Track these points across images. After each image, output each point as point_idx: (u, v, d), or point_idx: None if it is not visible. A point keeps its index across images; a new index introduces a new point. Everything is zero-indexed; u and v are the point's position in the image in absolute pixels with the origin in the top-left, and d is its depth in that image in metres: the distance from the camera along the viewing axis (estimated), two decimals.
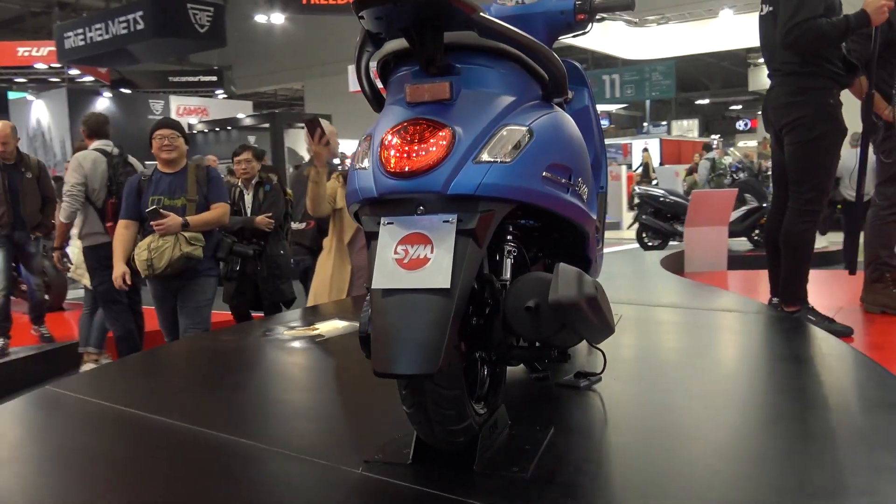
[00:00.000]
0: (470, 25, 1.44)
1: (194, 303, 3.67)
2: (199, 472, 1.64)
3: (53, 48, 15.42)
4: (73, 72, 20.26)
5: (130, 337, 4.50)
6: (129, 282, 3.67)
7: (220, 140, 17.08)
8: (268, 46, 23.32)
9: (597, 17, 2.32)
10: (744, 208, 9.35)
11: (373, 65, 1.66)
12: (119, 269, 3.67)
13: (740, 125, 32.81)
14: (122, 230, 3.68)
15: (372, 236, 1.43)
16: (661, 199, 9.52)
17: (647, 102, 29.06)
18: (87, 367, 4.66)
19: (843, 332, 3.07)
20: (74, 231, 4.59)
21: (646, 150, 21.06)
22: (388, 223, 1.41)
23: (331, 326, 3.07)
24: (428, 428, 1.45)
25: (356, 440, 1.79)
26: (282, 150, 16.54)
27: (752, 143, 31.56)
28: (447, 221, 1.37)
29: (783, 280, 3.21)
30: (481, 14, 1.42)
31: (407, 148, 1.39)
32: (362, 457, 1.57)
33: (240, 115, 18.05)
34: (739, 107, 35.24)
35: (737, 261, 7.06)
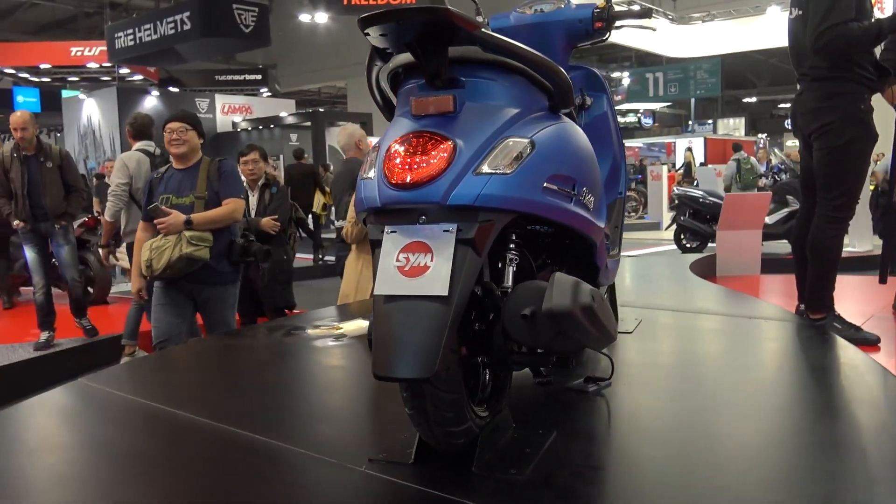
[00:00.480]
0: (473, 41, 1.48)
1: (220, 315, 3.41)
2: (210, 465, 1.72)
3: (105, 48, 15.89)
4: (124, 71, 20.82)
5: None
6: (145, 297, 3.49)
7: (263, 138, 17.39)
8: (311, 45, 23.61)
9: (614, 25, 2.34)
10: (785, 210, 9.17)
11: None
12: (135, 284, 3.48)
13: (788, 124, 32.07)
14: (141, 234, 3.47)
15: (376, 244, 1.49)
16: (701, 200, 9.39)
17: (693, 101, 28.62)
18: (125, 359, 4.82)
19: (869, 341, 3.03)
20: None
21: (689, 149, 20.72)
22: (392, 232, 1.46)
23: (354, 326, 3.15)
24: (428, 430, 1.51)
25: (364, 439, 1.85)
26: (323, 149, 16.75)
27: None
28: (447, 231, 1.42)
29: (809, 287, 3.17)
30: (483, 30, 1.46)
31: (409, 160, 1.44)
32: (368, 455, 1.63)
33: (282, 114, 18.34)
34: (788, 105, 34.42)
35: (776, 264, 6.94)
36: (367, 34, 1.47)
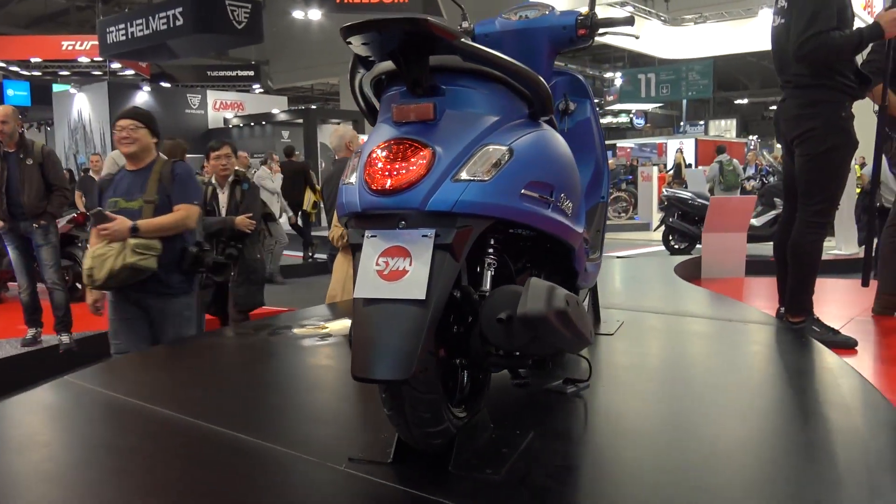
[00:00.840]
0: (453, 50, 1.51)
1: (176, 330, 3.12)
2: (192, 463, 1.74)
3: (96, 42, 15.84)
4: (115, 65, 20.76)
5: None
6: (101, 310, 3.20)
7: (255, 135, 17.40)
8: (304, 42, 23.57)
9: (598, 32, 2.38)
10: (773, 212, 9.25)
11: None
12: (89, 297, 3.18)
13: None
14: (93, 240, 3.12)
15: (357, 248, 1.52)
16: (689, 201, 9.46)
17: (684, 102, 28.75)
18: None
19: (847, 344, 3.08)
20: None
21: (679, 150, 20.83)
22: (372, 236, 1.49)
23: (340, 325, 3.18)
24: (406, 430, 1.54)
25: (345, 438, 1.88)
26: (315, 146, 16.77)
27: None
28: (426, 236, 1.45)
29: (789, 290, 3.22)
30: (462, 40, 1.49)
31: (390, 166, 1.47)
32: (349, 454, 1.67)
33: (274, 111, 18.34)
34: None
35: (762, 265, 7.00)
36: (350, 43, 1.50)
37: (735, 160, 12.40)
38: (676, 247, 9.55)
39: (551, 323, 1.44)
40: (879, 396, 2.05)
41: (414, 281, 1.42)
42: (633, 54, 22.85)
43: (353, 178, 1.55)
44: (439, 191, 1.45)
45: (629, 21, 2.41)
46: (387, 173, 1.47)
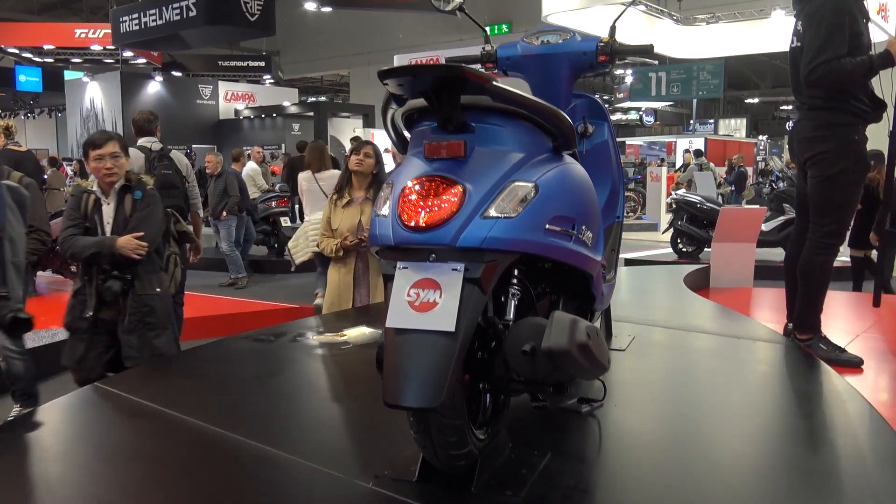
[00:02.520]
0: (483, 91, 1.58)
1: None
2: (219, 474, 1.83)
3: (109, 31, 15.91)
4: (127, 54, 20.82)
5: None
6: None
7: (266, 127, 17.47)
8: (316, 33, 23.62)
9: (617, 59, 2.44)
10: (781, 218, 9.29)
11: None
12: None
13: (789, 126, 32.16)
14: None
15: (388, 278, 1.60)
16: (698, 205, 9.50)
17: (695, 100, 28.69)
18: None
19: (853, 363, 3.14)
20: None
21: (687, 150, 20.82)
22: (403, 268, 1.57)
23: (358, 332, 3.25)
24: (432, 452, 1.62)
25: (371, 452, 1.96)
26: (326, 139, 16.83)
27: None
28: (455, 270, 1.53)
29: (798, 308, 3.28)
30: (493, 83, 1.56)
31: (422, 203, 1.54)
32: (374, 470, 1.75)
33: (285, 103, 18.40)
34: (790, 107, 34.51)
35: (770, 271, 7.05)
36: (386, 84, 1.57)
37: (711, 164, 12.64)
38: (685, 250, 9.60)
39: (574, 356, 1.51)
40: (886, 426, 2.12)
41: (444, 313, 1.49)
42: None
43: (386, 211, 1.62)
44: (469, 228, 1.52)
45: (648, 50, 2.47)
46: (420, 209, 1.54)
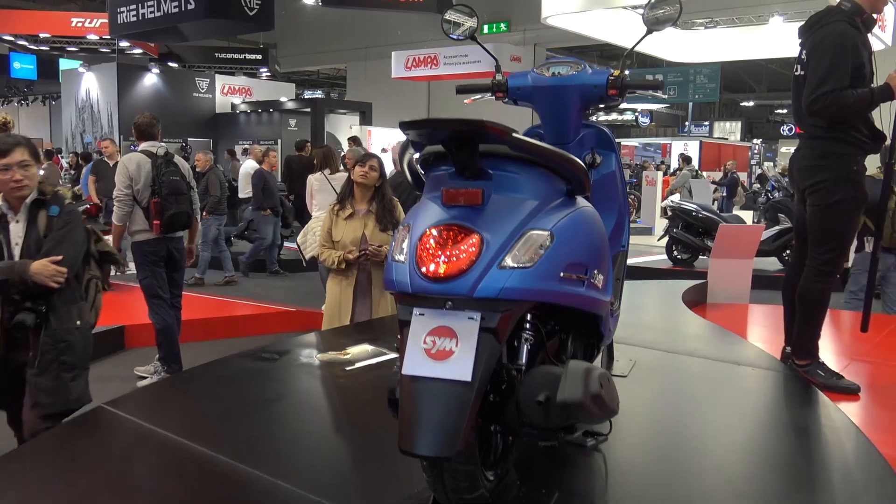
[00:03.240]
0: (502, 142, 1.61)
1: None
2: None
3: (106, 20, 15.81)
4: (123, 44, 20.71)
5: (169, 330, 4.78)
6: None
7: (262, 122, 17.40)
8: (313, 27, 23.54)
9: (628, 92, 2.46)
10: (776, 228, 9.37)
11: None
12: None
13: (784, 130, 32.35)
14: None
15: (405, 323, 1.62)
16: (694, 213, 9.56)
17: (690, 103, 28.79)
18: None
19: (850, 390, 3.18)
20: None
21: (682, 155, 20.94)
22: (420, 314, 1.59)
23: (360, 350, 3.28)
24: (444, 495, 1.65)
25: (378, 487, 1.98)
26: (322, 135, 16.80)
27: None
28: (471, 318, 1.55)
29: (796, 334, 3.32)
30: (513, 135, 1.59)
31: (440, 252, 1.56)
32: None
33: (282, 98, 18.33)
34: (785, 111, 34.66)
35: (764, 281, 7.12)
36: (407, 134, 1.59)
37: (703, 172, 12.87)
38: (679, 257, 9.66)
39: (587, 407, 1.54)
40: (885, 465, 2.16)
41: (460, 362, 1.52)
42: (641, 55, 22.83)
43: (403, 257, 1.64)
44: (486, 278, 1.54)
45: (658, 86, 2.50)
46: (438, 259, 1.56)
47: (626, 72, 2.46)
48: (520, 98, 2.59)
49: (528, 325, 1.75)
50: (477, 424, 1.63)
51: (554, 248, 1.64)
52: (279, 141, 16.44)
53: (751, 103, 33.79)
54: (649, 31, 2.45)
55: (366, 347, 3.29)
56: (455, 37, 2.69)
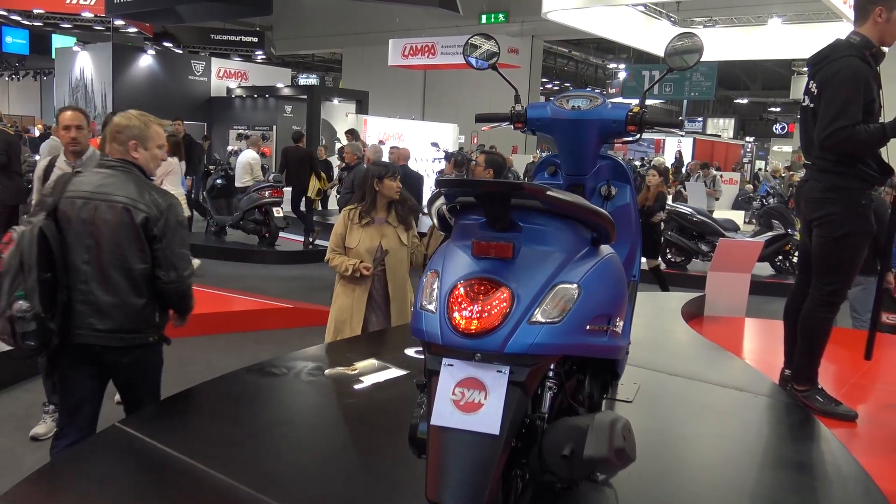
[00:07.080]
0: (535, 198, 1.63)
1: None
2: None
3: None
4: (118, 22, 20.48)
5: None
6: None
7: (258, 107, 17.30)
8: (310, 11, 23.38)
9: (646, 128, 2.49)
10: (769, 234, 9.45)
11: None
12: None
13: (777, 128, 32.53)
14: None
15: (433, 373, 1.65)
16: (689, 216, 9.62)
17: (685, 100, 28.87)
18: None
19: (847, 417, 3.25)
20: None
21: (679, 152, 21.01)
22: (449, 365, 1.62)
23: (367, 364, 3.31)
24: None
25: None
26: (318, 122, 16.74)
27: (787, 148, 31.32)
28: (500, 372, 1.58)
29: (797, 360, 3.38)
30: (547, 193, 1.61)
31: (471, 307, 1.59)
32: None
33: (278, 84, 18.22)
34: (778, 109, 34.84)
35: (756, 286, 7.18)
36: (443, 192, 1.62)
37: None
38: (673, 260, 9.73)
39: (612, 461, 1.58)
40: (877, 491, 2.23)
41: (489, 415, 1.55)
42: (638, 50, 22.85)
43: (434, 307, 1.66)
44: (516, 334, 1.57)
45: (679, 125, 2.53)
46: (469, 314, 1.58)
47: (645, 108, 2.49)
48: (539, 129, 2.61)
49: (551, 374, 1.78)
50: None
51: (581, 302, 1.67)
52: (274, 127, 16.37)
53: (745, 101, 33.93)
54: (670, 70, 2.48)
55: (372, 362, 3.32)
56: (474, 61, 2.70)
